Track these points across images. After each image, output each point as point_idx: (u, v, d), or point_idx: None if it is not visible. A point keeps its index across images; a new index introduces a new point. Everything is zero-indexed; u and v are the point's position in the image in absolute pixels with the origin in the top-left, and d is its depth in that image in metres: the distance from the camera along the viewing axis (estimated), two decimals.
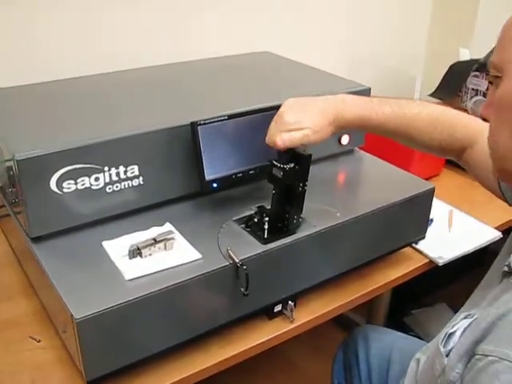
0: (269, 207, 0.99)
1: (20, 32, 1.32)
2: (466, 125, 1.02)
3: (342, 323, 1.76)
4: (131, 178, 0.97)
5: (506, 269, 0.78)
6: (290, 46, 1.58)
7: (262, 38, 1.70)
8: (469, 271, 2.17)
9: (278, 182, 0.94)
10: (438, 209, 1.38)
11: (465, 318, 0.74)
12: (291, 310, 1.02)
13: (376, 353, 1.19)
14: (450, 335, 0.73)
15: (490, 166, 0.85)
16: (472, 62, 2.01)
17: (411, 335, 1.78)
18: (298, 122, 0.95)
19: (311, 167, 0.96)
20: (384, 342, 1.21)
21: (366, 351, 1.19)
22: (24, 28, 1.32)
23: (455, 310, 1.96)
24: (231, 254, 0.90)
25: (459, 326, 0.73)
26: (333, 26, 1.90)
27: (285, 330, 1.01)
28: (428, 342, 1.64)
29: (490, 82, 0.75)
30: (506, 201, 0.99)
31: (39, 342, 0.94)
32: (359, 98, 1.01)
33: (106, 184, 0.94)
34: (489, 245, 1.32)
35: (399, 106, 1.01)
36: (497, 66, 0.72)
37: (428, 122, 1.01)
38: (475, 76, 2.02)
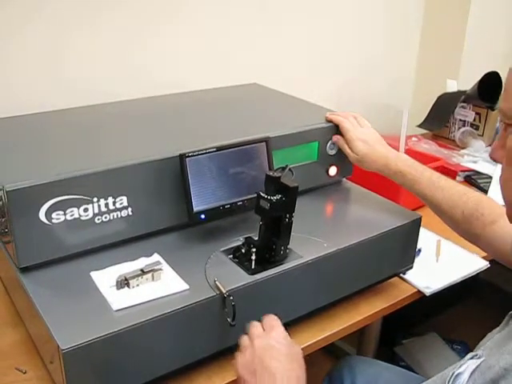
0: (256, 238, 0.99)
1: None
2: (491, 205, 1.09)
3: (332, 352, 1.75)
4: (120, 209, 0.98)
5: None
6: (278, 79, 1.60)
7: (250, 70, 1.72)
8: (460, 300, 2.18)
9: (265, 214, 0.95)
10: (427, 239, 1.39)
11: (471, 358, 0.74)
12: None
13: None
14: (458, 375, 0.73)
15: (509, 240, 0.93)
16: (459, 93, 2.05)
17: (401, 366, 1.78)
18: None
19: (299, 198, 0.97)
20: (370, 373, 1.20)
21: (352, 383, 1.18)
22: None
23: (446, 340, 1.97)
24: (218, 284, 0.90)
25: (466, 366, 0.73)
26: (321, 62, 1.93)
27: None
28: (417, 372, 1.65)
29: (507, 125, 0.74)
30: None
31: (25, 373, 0.93)
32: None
33: (94, 215, 0.95)
34: (479, 274, 1.33)
35: (438, 175, 1.14)
36: (506, 114, 0.73)
37: (457, 190, 1.12)
38: (462, 107, 2.05)
